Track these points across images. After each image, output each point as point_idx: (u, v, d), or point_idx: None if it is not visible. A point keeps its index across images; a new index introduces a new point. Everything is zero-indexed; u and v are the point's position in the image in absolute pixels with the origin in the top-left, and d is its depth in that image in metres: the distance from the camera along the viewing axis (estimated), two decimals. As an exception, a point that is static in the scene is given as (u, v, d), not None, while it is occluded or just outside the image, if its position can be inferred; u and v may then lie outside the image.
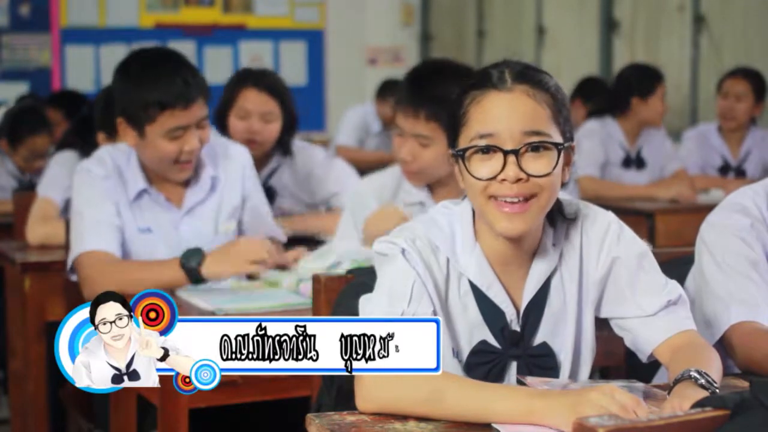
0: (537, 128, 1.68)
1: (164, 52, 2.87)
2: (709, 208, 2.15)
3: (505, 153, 1.67)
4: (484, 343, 1.76)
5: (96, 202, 2.75)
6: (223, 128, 3.58)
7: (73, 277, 2.76)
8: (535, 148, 1.68)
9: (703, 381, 1.54)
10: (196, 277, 2.63)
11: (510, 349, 1.76)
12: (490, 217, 1.70)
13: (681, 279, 2.03)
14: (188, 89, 2.72)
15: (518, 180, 1.67)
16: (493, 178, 1.68)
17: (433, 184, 2.81)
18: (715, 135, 5.42)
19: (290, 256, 2.86)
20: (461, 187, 1.77)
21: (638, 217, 4.54)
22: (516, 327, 1.77)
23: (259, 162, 3.57)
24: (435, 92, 2.66)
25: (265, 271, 2.73)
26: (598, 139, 5.17)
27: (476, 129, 1.70)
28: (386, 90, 6.92)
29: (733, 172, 5.37)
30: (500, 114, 1.69)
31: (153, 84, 2.70)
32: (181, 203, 2.85)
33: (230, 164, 2.93)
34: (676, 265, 2.14)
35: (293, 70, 8.41)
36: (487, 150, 1.69)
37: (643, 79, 5.16)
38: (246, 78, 3.67)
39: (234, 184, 2.92)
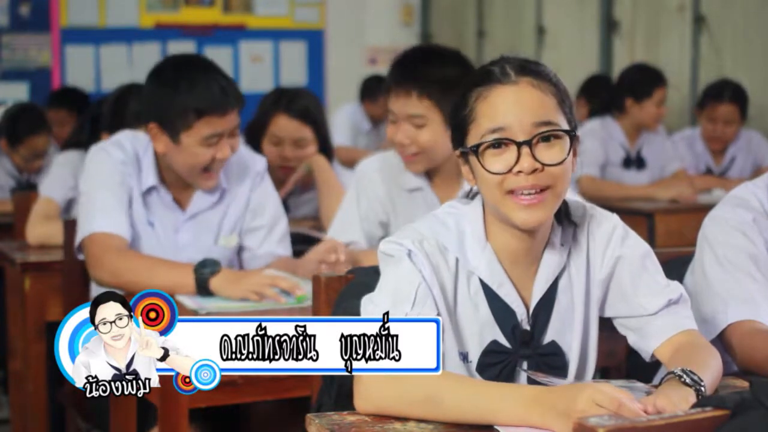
0: (546, 118, 1.69)
1: (198, 59, 2.84)
2: (708, 207, 2.15)
3: (519, 144, 1.67)
4: (495, 343, 1.75)
5: (110, 185, 2.73)
6: (255, 151, 3.54)
7: (81, 256, 2.76)
8: (546, 138, 1.68)
9: (687, 379, 1.54)
10: (204, 286, 2.60)
11: (520, 349, 1.76)
12: (506, 210, 1.70)
13: (681, 279, 2.03)
14: (226, 97, 2.70)
15: (534, 171, 1.67)
16: (509, 171, 1.68)
17: (430, 172, 2.79)
18: (699, 142, 5.36)
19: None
20: (471, 182, 1.76)
21: (638, 217, 4.53)
22: (526, 326, 1.77)
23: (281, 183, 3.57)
24: (425, 71, 2.64)
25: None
26: (598, 139, 5.15)
27: (486, 125, 1.70)
28: (371, 88, 6.94)
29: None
30: (509, 107, 1.69)
31: (190, 90, 2.67)
32: (186, 206, 2.82)
33: (242, 178, 2.88)
34: (676, 265, 2.14)
35: (293, 70, 8.40)
36: (499, 144, 1.69)
37: (640, 81, 5.13)
38: (278, 102, 3.65)
39: (241, 198, 2.88)
